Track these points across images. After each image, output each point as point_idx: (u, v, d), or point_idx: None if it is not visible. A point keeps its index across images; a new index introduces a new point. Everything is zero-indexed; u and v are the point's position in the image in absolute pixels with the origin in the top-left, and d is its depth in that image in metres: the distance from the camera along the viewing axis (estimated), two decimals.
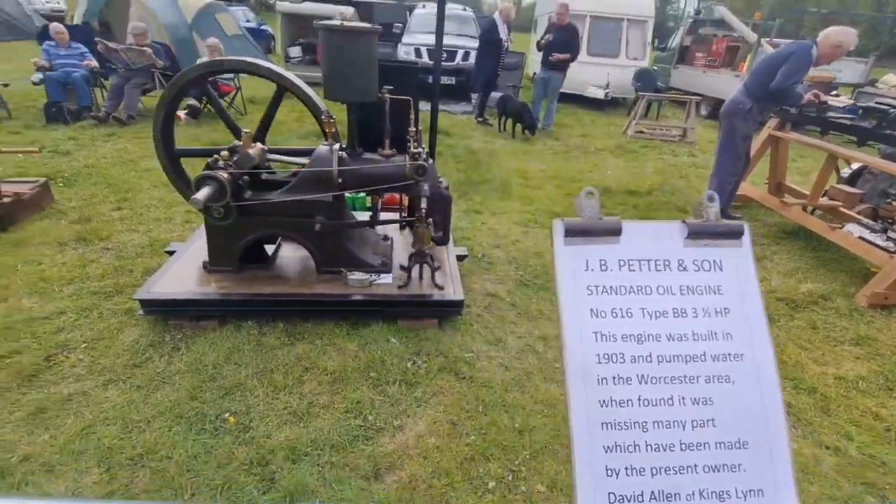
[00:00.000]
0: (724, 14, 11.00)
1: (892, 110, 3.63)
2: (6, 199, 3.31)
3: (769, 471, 0.47)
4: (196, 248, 2.89)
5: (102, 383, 2.11)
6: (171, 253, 2.92)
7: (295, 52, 10.79)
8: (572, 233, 0.50)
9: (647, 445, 0.47)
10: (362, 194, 3.61)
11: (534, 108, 7.95)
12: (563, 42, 7.13)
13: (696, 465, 0.47)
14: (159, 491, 1.65)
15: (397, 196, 3.41)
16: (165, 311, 2.48)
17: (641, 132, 7.93)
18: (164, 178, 4.41)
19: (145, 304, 2.44)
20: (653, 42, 11.04)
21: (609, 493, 0.46)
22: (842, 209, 3.96)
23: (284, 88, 2.77)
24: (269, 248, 2.89)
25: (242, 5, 18.92)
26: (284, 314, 2.57)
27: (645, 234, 0.52)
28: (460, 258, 3.12)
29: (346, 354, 2.39)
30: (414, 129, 2.58)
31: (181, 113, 6.64)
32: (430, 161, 2.58)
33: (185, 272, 2.65)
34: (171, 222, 3.68)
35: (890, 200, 4.06)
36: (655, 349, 0.49)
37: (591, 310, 0.49)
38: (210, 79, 6.66)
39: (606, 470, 0.46)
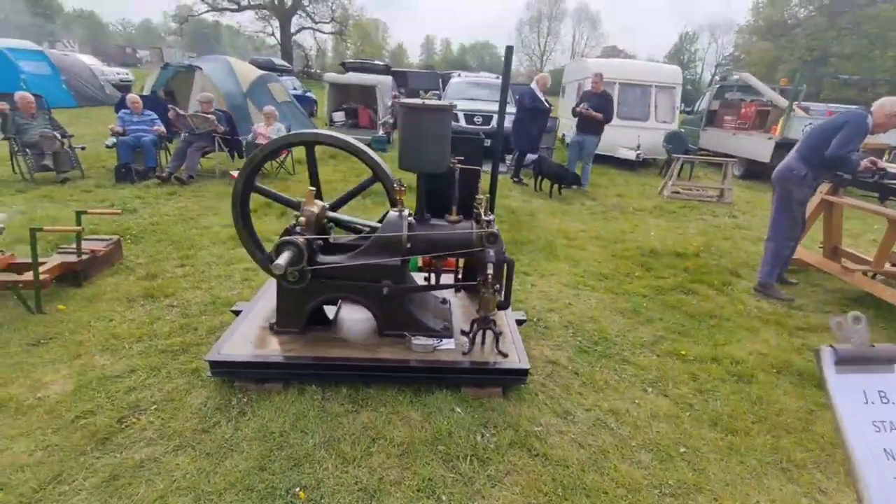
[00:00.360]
0: (749, 80, 11.30)
1: None
2: (84, 257, 3.50)
3: None
4: (261, 308, 2.95)
5: (173, 449, 2.09)
6: (236, 312, 2.98)
7: (339, 116, 11.53)
8: (844, 362, 0.48)
9: None
10: (415, 257, 3.68)
11: (570, 167, 8.14)
12: (598, 109, 7.40)
13: None
14: None
15: (453, 259, 3.45)
16: (232, 373, 2.49)
17: (678, 192, 7.95)
18: (223, 235, 4.63)
19: (214, 365, 2.46)
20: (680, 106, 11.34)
21: None
22: None
23: (373, 174, 2.86)
24: (328, 309, 2.93)
25: (290, 75, 20.56)
26: (347, 378, 2.55)
27: None
28: (519, 323, 3.07)
29: (411, 424, 2.32)
30: (481, 197, 2.66)
31: (236, 173, 7.05)
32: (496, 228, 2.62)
33: (251, 333, 2.68)
34: (230, 279, 3.80)
35: None
36: None
37: (886, 451, 0.46)
38: (260, 140, 7.14)
39: None
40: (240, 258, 4.17)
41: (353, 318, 2.93)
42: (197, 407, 2.35)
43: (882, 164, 3.77)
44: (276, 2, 36.96)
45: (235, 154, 7.63)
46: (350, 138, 2.81)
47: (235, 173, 6.97)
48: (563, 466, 2.13)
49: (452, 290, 3.35)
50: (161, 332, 2.98)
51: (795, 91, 8.78)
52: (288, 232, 2.46)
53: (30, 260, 3.39)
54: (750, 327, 3.49)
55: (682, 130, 11.10)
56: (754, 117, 10.47)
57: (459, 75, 12.88)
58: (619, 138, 10.06)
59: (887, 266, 4.01)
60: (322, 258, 2.56)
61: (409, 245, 2.55)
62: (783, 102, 9.94)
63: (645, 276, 4.39)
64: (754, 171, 9.76)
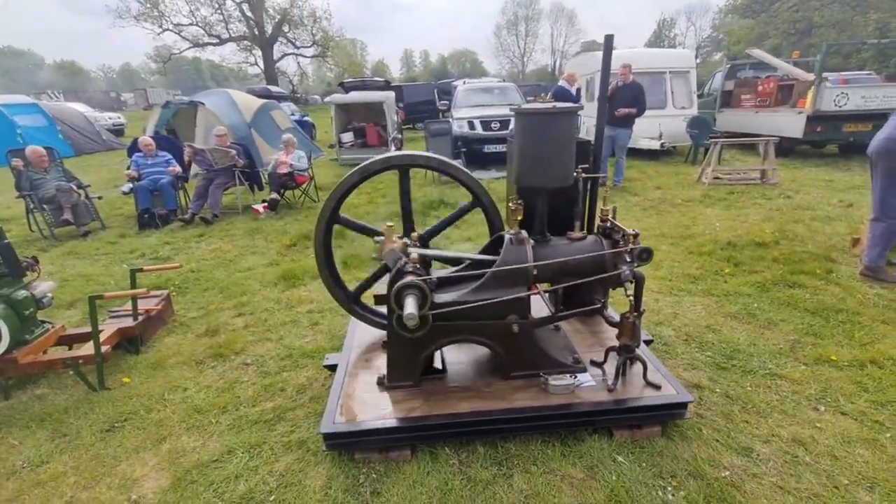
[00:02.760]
0: (762, 56, 11.06)
1: None
2: (140, 319, 3.14)
3: None
4: (356, 359, 2.60)
5: None
6: (331, 367, 2.62)
7: (347, 137, 11.24)
8: None
9: None
10: None
11: (602, 165, 7.83)
12: (631, 99, 7.12)
13: None
14: None
15: None
16: (350, 444, 2.13)
17: (719, 178, 7.64)
18: (270, 276, 4.28)
19: (330, 437, 2.09)
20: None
21: None
22: None
23: (475, 196, 2.55)
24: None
25: (286, 101, 20.37)
26: (482, 435, 2.19)
27: None
28: (647, 343, 2.72)
29: (576, 486, 1.95)
30: (608, 209, 2.32)
31: (259, 206, 6.74)
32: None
33: (360, 392, 2.32)
34: (297, 325, 3.44)
35: None
36: None
37: None
38: (282, 169, 6.82)
39: None
40: (298, 300, 3.82)
41: (461, 360, 2.57)
42: (321, 490, 1.98)
43: None
44: (256, 32, 36.96)
45: (255, 187, 7.32)
46: (453, 162, 2.48)
47: (259, 207, 6.70)
48: None
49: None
50: (245, 397, 2.62)
51: (822, 63, 8.51)
52: (401, 273, 2.11)
53: (80, 330, 3.05)
54: (887, 319, 3.14)
55: (704, 115, 10.83)
56: (775, 93, 10.20)
57: (465, 82, 12.63)
58: (640, 128, 9.76)
59: None
60: (439, 298, 2.21)
61: (535, 272, 2.21)
62: (804, 75, 9.68)
63: (736, 272, 4.04)
64: (784, 148, 9.46)
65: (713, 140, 7.86)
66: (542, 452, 2.12)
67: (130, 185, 6.52)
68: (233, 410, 2.52)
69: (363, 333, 2.83)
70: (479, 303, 2.13)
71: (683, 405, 2.21)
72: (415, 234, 2.49)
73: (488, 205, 2.53)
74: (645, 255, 2.12)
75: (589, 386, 2.30)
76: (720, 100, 11.71)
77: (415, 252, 2.18)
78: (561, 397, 2.24)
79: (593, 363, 2.45)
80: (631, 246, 2.13)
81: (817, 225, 5.26)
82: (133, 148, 7.12)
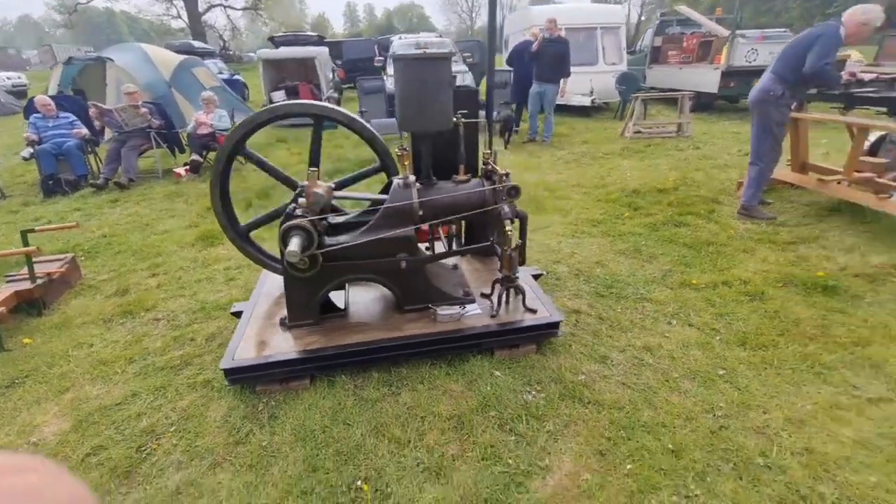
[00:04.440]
0: (687, 13, 11.48)
1: None
2: (40, 281, 3.07)
3: None
4: (263, 304, 2.72)
5: (208, 468, 1.90)
6: (236, 314, 2.73)
7: (278, 96, 10.74)
8: None
9: None
10: None
11: (531, 122, 8.05)
12: (557, 54, 7.27)
13: None
14: None
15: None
16: (252, 378, 2.28)
17: (640, 132, 8.07)
18: (189, 237, 4.25)
19: (230, 372, 2.24)
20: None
21: None
22: (877, 179, 4.01)
23: (382, 163, 2.66)
24: (336, 298, 2.73)
25: (213, 58, 18.93)
26: (377, 362, 2.40)
27: None
28: (536, 277, 3.01)
29: (455, 396, 2.23)
30: (489, 151, 2.50)
31: (181, 170, 6.47)
32: None
33: (263, 332, 2.46)
34: (213, 282, 3.48)
35: None
36: None
37: None
38: (202, 130, 6.53)
39: None
40: (216, 258, 3.83)
41: (365, 299, 2.76)
42: (221, 420, 2.14)
43: (861, 75, 3.89)
44: None
45: (176, 150, 6.97)
46: (360, 119, 2.56)
47: (181, 170, 6.45)
48: (617, 409, 2.11)
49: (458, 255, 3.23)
50: (153, 348, 2.69)
51: (733, 19, 8.98)
52: (289, 216, 2.22)
53: None
54: (746, 249, 3.61)
55: (633, 71, 11.19)
56: (697, 49, 10.69)
57: (400, 38, 12.26)
58: (571, 85, 9.99)
59: (855, 175, 4.23)
60: (330, 240, 2.34)
61: (421, 213, 2.38)
62: (723, 31, 10.18)
63: (635, 215, 4.43)
64: (703, 103, 10.05)
65: (634, 96, 8.23)
66: (430, 373, 2.37)
67: (31, 150, 6.03)
68: (140, 360, 2.60)
69: (273, 283, 2.93)
70: (365, 242, 2.29)
71: (556, 325, 2.52)
72: (313, 170, 2.58)
73: (380, 148, 2.64)
74: (514, 192, 2.33)
75: (475, 314, 2.55)
76: (650, 56, 12.12)
77: (310, 197, 2.28)
78: (448, 325, 2.48)
79: (483, 295, 2.70)
80: (501, 184, 2.33)
81: (715, 172, 5.77)
82: (30, 109, 6.54)
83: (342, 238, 2.37)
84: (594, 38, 10.43)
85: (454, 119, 2.38)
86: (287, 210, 2.25)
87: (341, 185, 2.65)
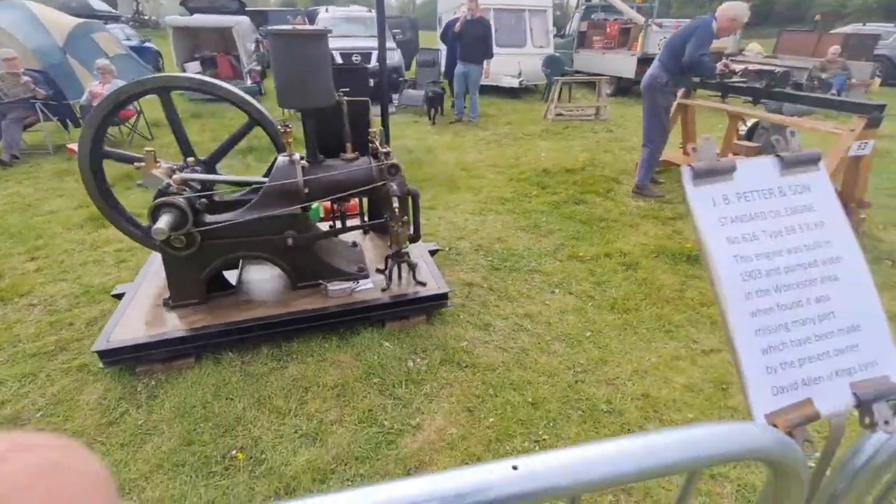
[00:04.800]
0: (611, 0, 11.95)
1: (777, 71, 4.20)
2: None
3: (878, 344, 0.57)
4: (148, 286, 2.64)
5: None
6: (118, 296, 2.63)
7: (192, 67, 10.02)
8: (699, 175, 0.56)
9: (791, 342, 0.55)
10: (316, 205, 3.51)
11: (457, 102, 8.14)
12: (478, 35, 7.34)
13: (828, 352, 0.56)
14: None
15: (355, 202, 3.35)
16: (131, 359, 2.24)
17: (561, 114, 8.41)
18: (78, 218, 3.98)
19: (105, 354, 2.18)
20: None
21: (772, 387, 0.53)
22: None
23: (255, 120, 2.60)
24: (231, 275, 2.71)
25: (118, 22, 17.16)
26: (267, 338, 2.43)
27: (750, 169, 0.59)
28: (432, 253, 3.14)
29: (342, 366, 2.32)
30: (375, 130, 2.56)
31: (74, 146, 5.92)
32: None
33: (144, 313, 2.40)
34: (102, 264, 3.30)
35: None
36: (782, 262, 0.56)
37: (727, 238, 0.55)
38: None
39: (767, 369, 0.53)
40: (107, 239, 3.62)
41: (259, 278, 2.76)
42: (95, 402, 2.09)
43: (733, 66, 4.30)
44: None
45: (69, 123, 6.37)
46: (214, 80, 2.48)
47: (74, 146, 5.88)
48: (491, 370, 2.31)
49: (361, 233, 3.29)
50: (25, 335, 2.54)
51: (650, 7, 9.49)
52: (162, 193, 2.16)
53: None
54: (632, 224, 3.96)
55: (559, 54, 11.56)
56: (618, 36, 11.21)
57: (327, 10, 11.78)
58: (500, 67, 10.18)
59: (731, 155, 4.73)
60: (212, 218, 2.31)
61: (307, 190, 2.40)
62: (640, 19, 10.74)
63: (541, 194, 4.69)
64: (623, 88, 10.63)
65: (555, 79, 8.54)
66: (321, 346, 2.44)
67: None
68: (8, 348, 2.45)
69: (161, 264, 2.84)
70: (248, 220, 2.28)
71: (444, 297, 2.67)
72: (192, 159, 2.51)
73: (266, 124, 2.61)
74: (393, 170, 2.41)
75: (367, 289, 2.64)
76: (576, 40, 12.54)
77: (179, 175, 2.23)
78: (339, 300, 2.55)
79: (378, 271, 2.79)
80: (382, 162, 2.40)
81: (622, 154, 6.19)
82: None
83: (225, 216, 2.34)
84: (523, 20, 10.62)
85: (336, 97, 2.40)
86: (160, 187, 2.19)
87: (215, 158, 2.60)
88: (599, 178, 5.13)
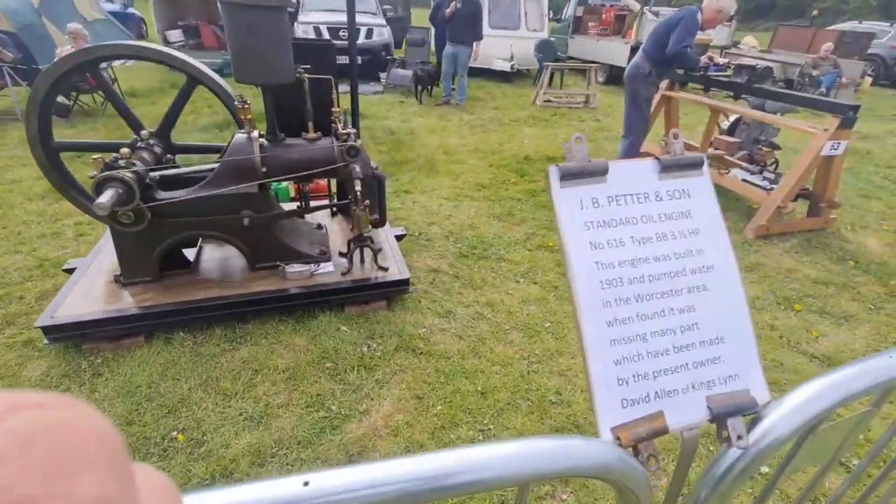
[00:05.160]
0: None
1: (759, 66, 4.16)
2: None
3: (741, 357, 0.56)
4: (101, 262, 2.57)
5: None
6: (69, 271, 2.56)
7: (175, 35, 9.70)
8: (567, 176, 0.53)
9: (647, 354, 0.52)
10: (285, 184, 3.44)
11: (444, 83, 8.00)
12: (467, 15, 7.17)
13: (686, 364, 0.54)
14: None
15: (324, 183, 3.28)
16: (77, 336, 2.19)
17: (549, 101, 8.31)
18: (39, 188, 3.86)
19: (50, 330, 2.13)
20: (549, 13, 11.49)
21: (622, 400, 0.51)
22: (726, 157, 4.50)
23: (196, 80, 2.50)
24: (190, 253, 2.65)
25: None
26: (221, 319, 2.40)
27: (625, 171, 0.56)
28: (399, 238, 3.10)
29: (296, 350, 2.30)
30: (339, 109, 2.48)
31: None
32: (360, 141, 2.50)
33: (93, 289, 2.34)
34: (60, 237, 3.22)
35: (760, 146, 4.70)
36: (646, 270, 0.54)
37: (591, 243, 0.52)
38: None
39: (618, 381, 0.51)
40: (67, 212, 3.52)
41: (218, 257, 2.70)
42: (37, 379, 2.05)
43: (718, 59, 4.25)
44: None
45: None
46: (175, 52, 2.38)
47: None
48: (445, 358, 2.30)
49: (329, 215, 3.23)
50: None
51: None
52: (109, 166, 2.08)
53: None
54: None
55: (553, 39, 11.36)
56: (613, 22, 11.04)
57: None
58: (492, 49, 10.00)
59: (710, 150, 4.71)
60: (162, 194, 2.24)
61: (264, 169, 2.34)
62: (636, 6, 10.57)
63: (519, 181, 4.64)
64: (616, 76, 10.50)
65: (546, 64, 8.41)
66: (276, 329, 2.41)
67: None
68: None
69: None
70: (201, 197, 2.22)
71: (405, 283, 2.64)
72: (144, 132, 2.43)
73: (215, 87, 2.52)
74: (353, 153, 2.35)
75: (327, 272, 2.60)
76: (572, 25, 12.32)
77: (126, 148, 2.15)
78: (298, 282, 2.51)
79: (341, 254, 2.75)
80: (341, 143, 2.34)
81: (606, 143, 6.14)
82: None
83: (178, 193, 2.27)
84: (517, 2, 10.39)
85: (297, 73, 2.31)
86: (108, 160, 2.11)
87: (165, 127, 2.52)
88: None
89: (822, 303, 2.84)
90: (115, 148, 2.34)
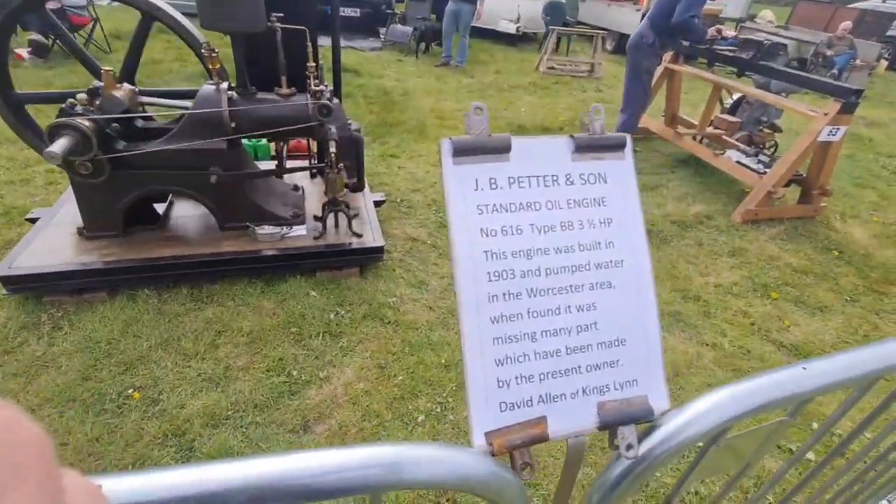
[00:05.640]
0: None
1: (766, 42, 3.97)
2: None
3: (643, 362, 0.51)
4: (66, 212, 2.50)
5: None
6: (33, 220, 2.49)
7: None
8: (462, 152, 0.46)
9: (535, 354, 0.48)
10: (264, 142, 3.32)
11: (445, 43, 7.67)
12: None
13: (579, 367, 0.49)
14: None
15: (305, 142, 3.17)
16: (37, 288, 2.15)
17: (553, 68, 8.01)
18: (11, 133, 3.72)
19: (8, 281, 2.08)
20: None
21: (500, 403, 0.46)
22: (724, 137, 4.38)
23: (150, 16, 2.35)
24: (161, 208, 2.58)
25: None
26: (188, 278, 2.35)
27: (534, 150, 0.49)
28: (378, 204, 3.02)
29: (262, 313, 2.27)
30: (314, 65, 2.35)
31: (23, 51, 5.49)
32: (336, 100, 2.39)
33: (56, 241, 2.28)
34: (29, 184, 3.12)
35: (761, 128, 4.56)
36: (544, 263, 0.48)
37: (482, 230, 0.46)
38: (50, 5, 5.51)
39: (498, 382, 0.46)
40: (38, 159, 3.39)
41: (191, 214, 2.63)
42: None
43: (727, 32, 4.04)
44: None
45: (17, 27, 5.84)
46: None
47: (22, 52, 5.47)
48: (413, 329, 2.28)
49: (308, 177, 3.14)
50: None
51: None
52: (64, 113, 1.97)
53: None
54: None
55: (563, 0, 10.83)
56: None
57: None
58: (499, 10, 9.55)
59: (709, 129, 4.58)
60: (124, 146, 2.14)
61: (233, 124, 2.23)
62: None
63: None
64: (625, 45, 10.10)
65: (552, 28, 8.05)
66: (244, 291, 2.38)
67: None
68: None
69: None
70: (162, 150, 2.12)
71: (380, 250, 2.59)
72: (108, 69, 2.30)
73: (176, 27, 2.37)
74: (325, 111, 2.23)
75: (299, 235, 2.54)
76: None
77: (83, 94, 2.03)
78: (268, 244, 2.45)
79: (316, 218, 2.67)
80: (313, 101, 2.22)
81: (606, 117, 5.94)
82: None
83: (145, 146, 2.17)
84: None
85: (268, 23, 2.16)
86: (64, 105, 1.99)
87: (128, 70, 2.39)
88: None
89: (799, 292, 2.82)
90: (89, 66, 2.23)
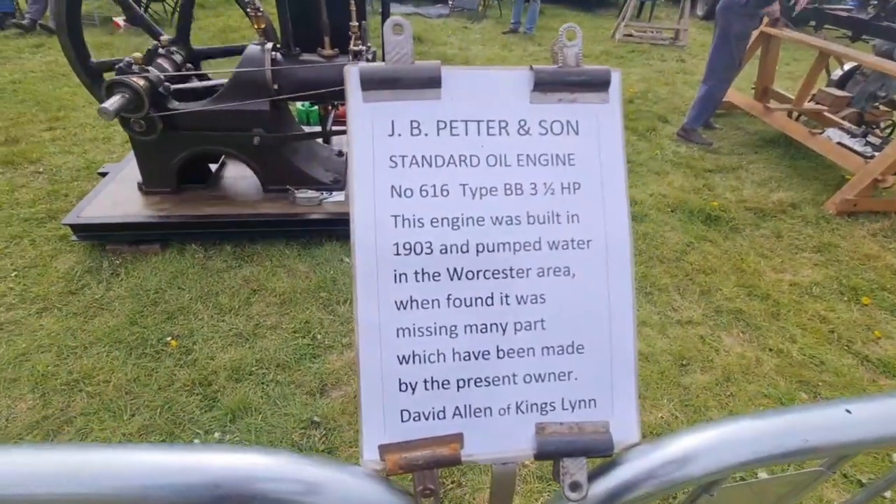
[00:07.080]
0: None
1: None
2: None
3: (606, 377, 0.39)
4: (132, 168, 2.67)
5: (36, 311, 2.02)
6: (103, 174, 2.70)
7: None
8: (374, 83, 0.35)
9: (455, 354, 0.37)
10: (315, 107, 3.33)
11: (515, 8, 7.25)
12: None
13: (514, 376, 0.38)
14: (97, 413, 1.64)
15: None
16: (101, 237, 2.33)
17: (630, 35, 7.33)
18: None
19: (77, 229, 2.28)
20: None
21: (403, 411, 0.37)
22: (826, 114, 3.76)
23: None
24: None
25: None
26: (231, 236, 2.44)
27: (476, 85, 0.37)
28: None
29: (296, 276, 2.31)
30: (356, 24, 2.27)
31: (121, 20, 5.93)
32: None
33: (119, 194, 2.46)
34: (110, 142, 3.39)
35: (877, 104, 3.86)
36: (475, 236, 0.37)
37: (393, 187, 0.36)
38: None
39: (400, 384, 0.37)
40: None
41: (239, 174, 2.71)
42: (64, 271, 2.23)
43: None
44: None
45: None
46: None
47: (119, 20, 5.89)
48: None
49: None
50: (24, 200, 2.70)
51: None
52: (120, 71, 2.07)
53: None
54: (660, 171, 3.50)
55: None
56: None
57: None
58: None
59: (808, 104, 3.96)
60: (175, 105, 2.22)
61: (276, 86, 2.23)
62: None
63: None
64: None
65: None
66: (282, 253, 2.43)
67: None
68: (7, 210, 2.62)
69: None
70: (209, 110, 2.18)
71: None
72: (164, 38, 2.38)
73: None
74: None
75: (337, 201, 2.54)
76: None
77: (138, 53, 2.12)
78: (306, 208, 2.48)
79: None
80: (352, 62, 2.15)
81: (684, 88, 5.37)
82: None
83: (191, 105, 2.25)
84: None
85: None
86: (121, 64, 2.09)
87: (182, 30, 2.43)
88: (646, 114, 4.52)
89: None
90: (149, 30, 2.32)
